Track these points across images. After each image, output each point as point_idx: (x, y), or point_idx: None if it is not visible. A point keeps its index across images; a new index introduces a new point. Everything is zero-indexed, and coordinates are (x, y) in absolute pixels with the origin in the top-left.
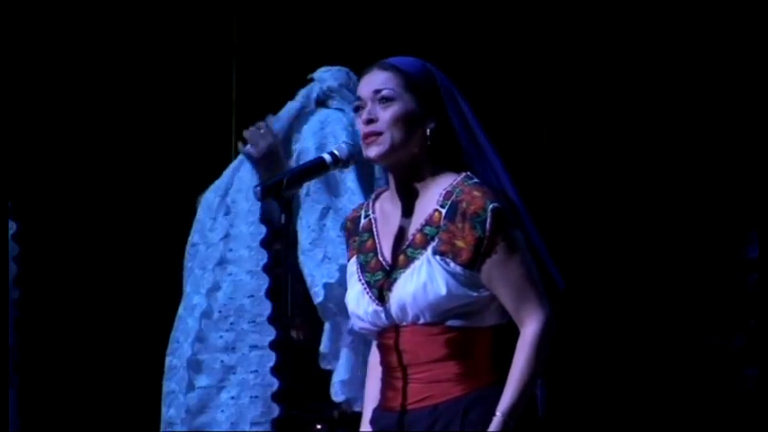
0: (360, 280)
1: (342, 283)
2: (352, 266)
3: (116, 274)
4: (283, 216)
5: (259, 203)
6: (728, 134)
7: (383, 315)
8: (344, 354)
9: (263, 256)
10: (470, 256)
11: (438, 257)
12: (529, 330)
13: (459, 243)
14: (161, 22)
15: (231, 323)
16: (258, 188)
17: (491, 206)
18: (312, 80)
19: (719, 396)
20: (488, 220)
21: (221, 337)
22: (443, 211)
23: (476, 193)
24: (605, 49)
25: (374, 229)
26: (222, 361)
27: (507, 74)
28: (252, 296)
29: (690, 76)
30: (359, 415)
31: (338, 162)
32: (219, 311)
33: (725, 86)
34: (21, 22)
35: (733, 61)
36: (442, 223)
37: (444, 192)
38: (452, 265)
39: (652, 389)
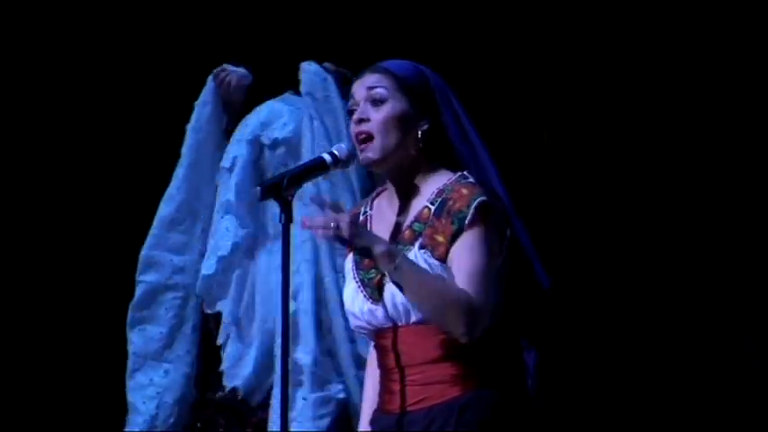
0: (354, 278)
1: (219, 274)
2: (349, 263)
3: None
4: (283, 216)
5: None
6: (731, 130)
7: (378, 314)
8: (230, 344)
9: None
10: (446, 250)
11: (421, 252)
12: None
13: (439, 238)
14: (159, 22)
15: (187, 225)
16: (258, 188)
17: (475, 202)
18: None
19: (753, 397)
20: (469, 215)
21: (173, 237)
22: (433, 207)
23: (464, 190)
24: (605, 49)
25: (369, 227)
26: (172, 260)
27: (507, 73)
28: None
29: (690, 75)
30: (243, 402)
31: (338, 162)
32: (177, 211)
33: (725, 85)
34: (13, 23)
35: (733, 61)
36: (429, 219)
37: (437, 189)
38: (431, 260)
39: (682, 390)
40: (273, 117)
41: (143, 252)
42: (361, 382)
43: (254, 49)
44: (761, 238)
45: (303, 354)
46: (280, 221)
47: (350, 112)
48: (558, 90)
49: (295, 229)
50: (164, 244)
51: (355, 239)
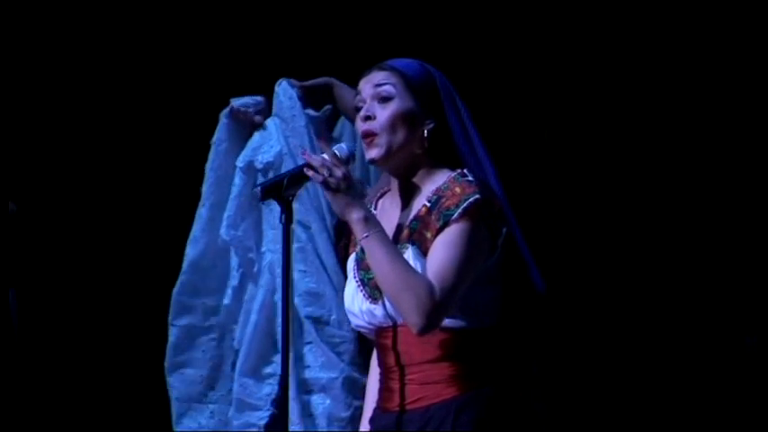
0: (355, 277)
1: (233, 303)
2: (351, 262)
3: (115, 277)
4: (284, 216)
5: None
6: (731, 130)
7: (377, 312)
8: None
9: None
10: (429, 246)
11: (413, 248)
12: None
13: (427, 234)
14: (161, 22)
15: (216, 265)
16: (258, 188)
17: (466, 202)
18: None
19: (757, 395)
20: (456, 213)
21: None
22: (429, 205)
23: (457, 189)
24: (606, 47)
25: None
26: (204, 303)
27: (508, 71)
28: None
29: (690, 73)
30: None
31: None
32: (204, 253)
33: (725, 83)
34: (21, 23)
35: (733, 60)
36: (424, 217)
37: (436, 188)
38: (419, 254)
39: (686, 389)
40: (264, 139)
41: (174, 296)
42: (304, 407)
43: (267, 67)
44: (761, 239)
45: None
46: (280, 221)
47: (356, 109)
48: (558, 89)
49: (263, 260)
50: (195, 287)
51: (339, 193)
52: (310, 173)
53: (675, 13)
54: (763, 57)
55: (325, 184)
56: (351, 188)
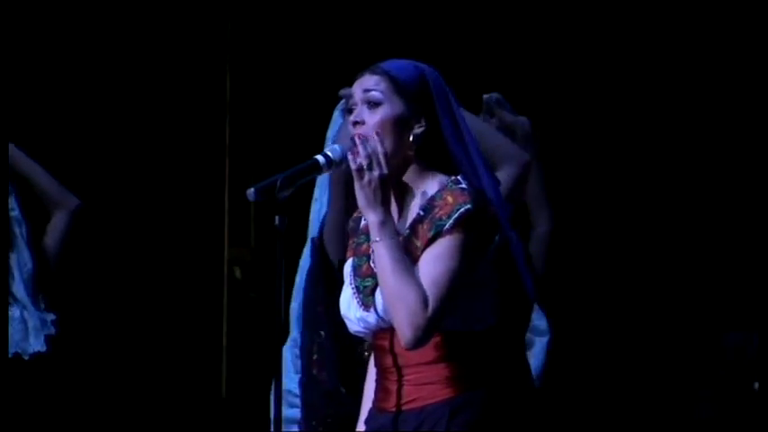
0: (351, 284)
1: None
2: (347, 268)
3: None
4: (278, 218)
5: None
6: (728, 131)
7: (370, 319)
8: None
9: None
10: (420, 256)
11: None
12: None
13: (417, 243)
14: (156, 23)
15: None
16: (251, 190)
17: (457, 213)
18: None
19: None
20: (447, 224)
21: None
22: (423, 214)
23: (450, 198)
24: (603, 50)
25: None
26: None
27: (506, 73)
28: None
29: (688, 75)
30: None
31: (332, 164)
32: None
33: (723, 85)
34: (18, 22)
35: (732, 60)
36: (416, 225)
37: (429, 196)
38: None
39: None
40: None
41: None
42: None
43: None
44: (760, 240)
45: None
46: (275, 224)
47: (349, 112)
48: (555, 90)
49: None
50: None
51: (366, 188)
52: (350, 156)
53: (673, 14)
54: (762, 57)
55: (358, 170)
56: (379, 190)
